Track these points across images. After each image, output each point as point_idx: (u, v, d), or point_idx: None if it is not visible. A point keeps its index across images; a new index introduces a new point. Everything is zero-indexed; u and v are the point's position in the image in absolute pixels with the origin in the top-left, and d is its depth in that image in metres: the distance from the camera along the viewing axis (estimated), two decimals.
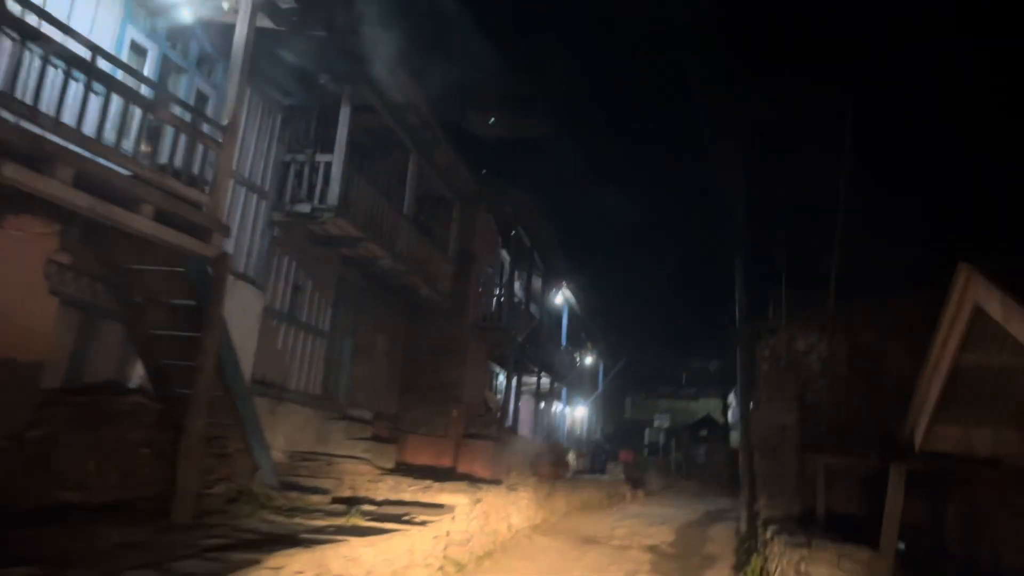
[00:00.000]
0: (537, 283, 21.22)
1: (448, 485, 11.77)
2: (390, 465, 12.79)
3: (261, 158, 10.63)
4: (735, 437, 47.07)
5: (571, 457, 24.01)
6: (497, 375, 20.91)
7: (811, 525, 10.92)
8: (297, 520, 7.91)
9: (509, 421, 18.56)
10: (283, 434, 11.42)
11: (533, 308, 20.56)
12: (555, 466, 17.70)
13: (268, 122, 10.76)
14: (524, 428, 23.22)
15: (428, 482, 11.50)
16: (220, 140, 7.19)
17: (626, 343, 37.69)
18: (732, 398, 51.20)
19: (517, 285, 19.74)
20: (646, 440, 45.76)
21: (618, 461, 27.87)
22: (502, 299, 16.71)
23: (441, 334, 16.17)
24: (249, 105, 10.26)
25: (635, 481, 25.49)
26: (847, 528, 10.70)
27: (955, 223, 13.03)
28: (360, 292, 13.93)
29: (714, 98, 15.74)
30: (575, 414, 32.13)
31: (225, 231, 7.24)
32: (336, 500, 9.88)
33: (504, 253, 18.41)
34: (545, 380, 22.97)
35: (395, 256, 12.90)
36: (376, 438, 12.85)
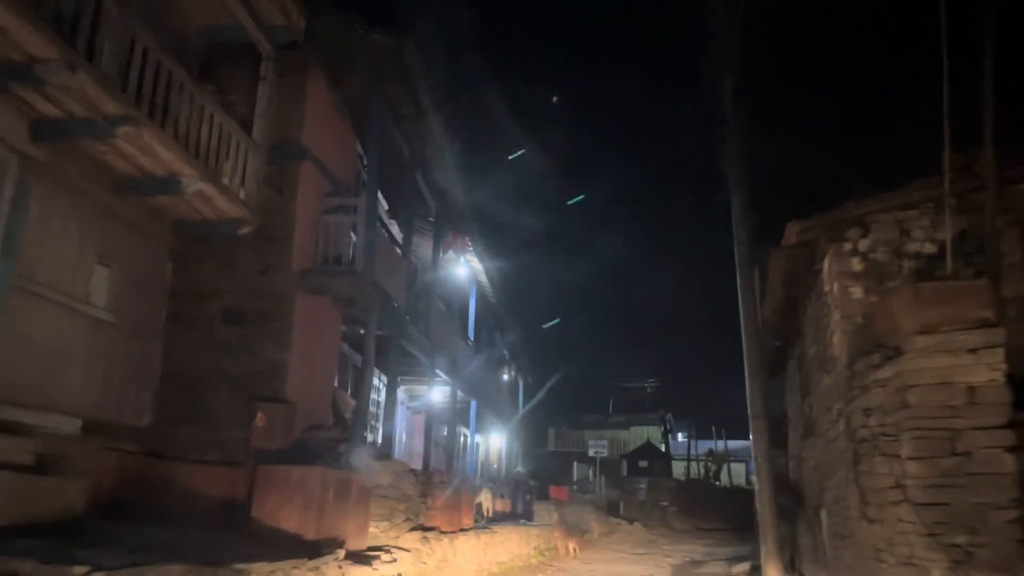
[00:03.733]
0: (428, 240, 14.38)
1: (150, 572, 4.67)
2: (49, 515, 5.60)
3: None
4: (678, 468, 41.03)
5: (485, 497, 16.99)
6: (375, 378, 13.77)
7: None
8: None
9: (374, 437, 11.54)
10: None
11: (424, 274, 13.65)
12: (455, 511, 10.72)
13: None
14: (414, 460, 16.13)
15: (85, 568, 4.36)
16: None
17: (551, 361, 31.13)
18: (671, 422, 45.18)
19: (388, 221, 12.85)
20: (575, 475, 39.22)
21: (549, 499, 21.11)
22: (357, 230, 9.69)
23: (244, 284, 9.05)
24: None
25: (571, 526, 18.71)
26: None
27: None
28: (34, 168, 6.71)
29: None
30: (490, 444, 25.12)
31: None
32: None
33: (364, 173, 11.41)
34: (443, 387, 15.97)
35: (81, 71, 5.87)
36: (7, 466, 5.59)
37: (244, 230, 8.77)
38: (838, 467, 7.42)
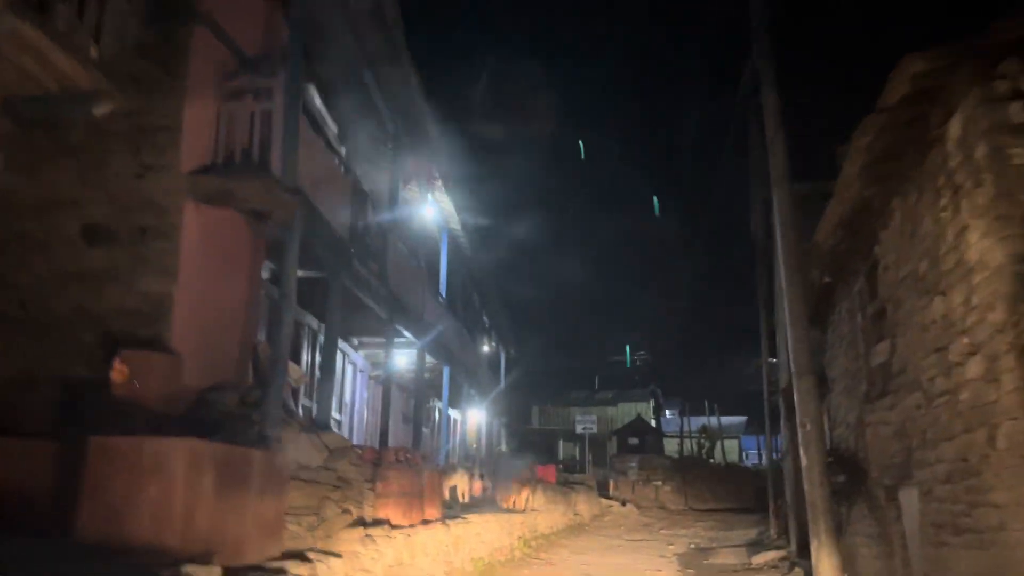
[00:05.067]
0: (387, 175, 11.83)
1: None
2: None
3: None
4: (670, 446, 38.93)
5: (461, 480, 14.61)
6: (310, 334, 11.26)
7: None
8: None
9: (305, 402, 9.09)
10: None
11: (380, 206, 11.09)
12: (416, 499, 8.29)
13: None
14: (370, 438, 13.69)
15: None
16: None
17: (534, 334, 28.68)
18: (661, 396, 43.09)
19: (339, 147, 10.30)
20: (560, 454, 37.05)
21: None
22: (274, 121, 7.14)
23: (114, 191, 6.51)
24: None
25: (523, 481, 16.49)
26: None
27: None
28: None
29: None
30: (467, 420, 22.73)
31: None
32: None
33: (285, 41, 8.70)
34: (409, 350, 13.51)
35: None
36: None
37: (104, 109, 6.18)
38: (962, 430, 5.04)
